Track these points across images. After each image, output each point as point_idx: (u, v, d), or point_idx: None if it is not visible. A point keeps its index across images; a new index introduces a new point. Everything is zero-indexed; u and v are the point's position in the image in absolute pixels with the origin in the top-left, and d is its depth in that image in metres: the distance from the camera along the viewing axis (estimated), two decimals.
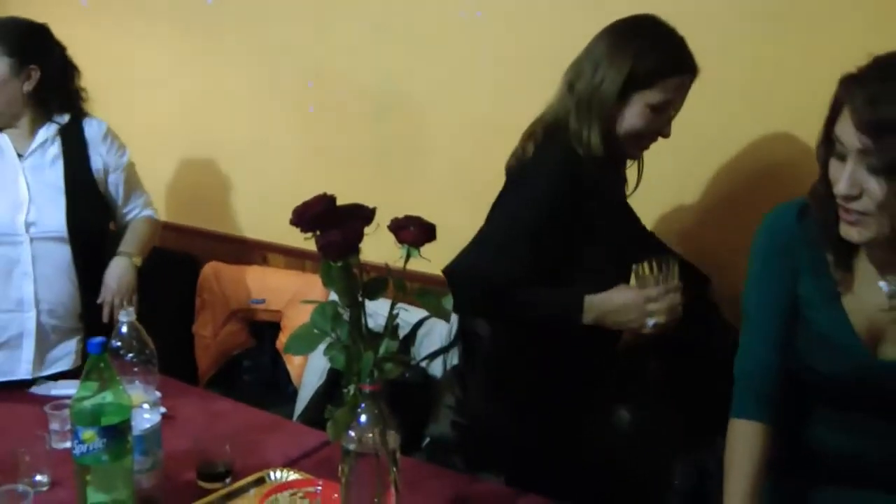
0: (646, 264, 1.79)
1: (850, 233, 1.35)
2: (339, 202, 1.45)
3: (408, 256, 1.46)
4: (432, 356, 2.59)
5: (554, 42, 2.20)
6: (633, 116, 1.85)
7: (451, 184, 2.76)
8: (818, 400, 1.53)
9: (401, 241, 1.45)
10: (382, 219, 1.46)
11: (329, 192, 1.44)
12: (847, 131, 1.30)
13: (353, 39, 2.92)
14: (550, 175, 1.84)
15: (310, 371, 2.86)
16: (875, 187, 1.29)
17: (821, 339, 1.47)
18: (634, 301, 1.78)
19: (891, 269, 1.43)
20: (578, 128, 1.85)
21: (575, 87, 1.87)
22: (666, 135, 1.90)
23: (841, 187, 1.31)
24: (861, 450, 1.51)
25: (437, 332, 2.62)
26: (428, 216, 1.46)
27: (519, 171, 1.92)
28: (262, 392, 3.03)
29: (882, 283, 1.44)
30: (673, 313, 1.78)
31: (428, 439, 2.43)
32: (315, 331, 1.50)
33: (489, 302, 1.84)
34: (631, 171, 2.07)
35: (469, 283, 1.79)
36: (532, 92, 1.98)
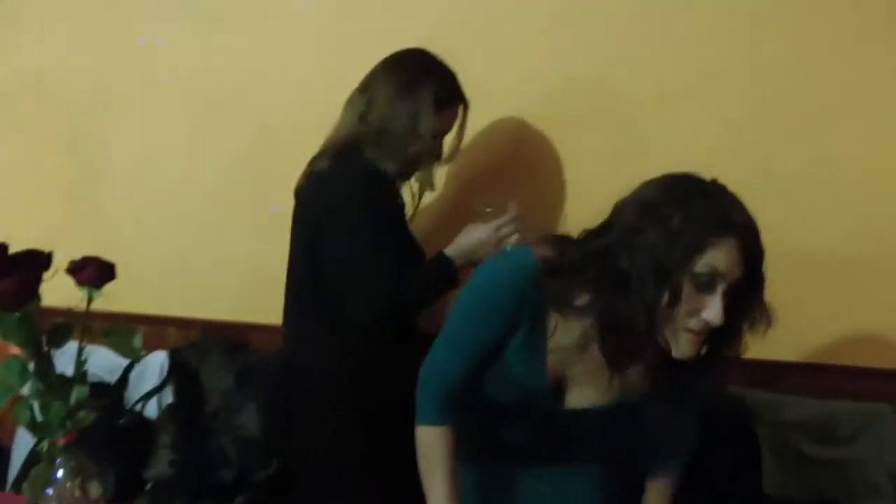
0: (481, 202, 2.06)
1: (690, 353, 1.42)
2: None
3: (90, 299, 1.41)
4: (146, 397, 2.50)
5: None
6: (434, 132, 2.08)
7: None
8: (508, 415, 1.64)
9: (80, 283, 1.40)
10: None
11: None
12: (727, 263, 1.37)
13: None
14: (369, 201, 2.01)
15: (23, 431, 2.64)
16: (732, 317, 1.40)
17: (515, 383, 1.57)
18: (487, 234, 2.01)
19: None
20: (375, 155, 2.03)
21: (368, 118, 2.04)
22: (440, 157, 2.15)
23: (717, 318, 1.37)
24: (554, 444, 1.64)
25: (150, 373, 2.53)
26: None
27: (327, 199, 2.03)
28: None
29: None
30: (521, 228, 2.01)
31: (149, 483, 2.35)
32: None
33: (400, 315, 2.05)
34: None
35: (384, 318, 2.00)
36: None
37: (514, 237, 2.03)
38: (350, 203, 2.01)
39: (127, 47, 2.80)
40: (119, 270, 1.41)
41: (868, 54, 2.23)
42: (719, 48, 2.32)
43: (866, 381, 2.29)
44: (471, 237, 2.04)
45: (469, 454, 1.63)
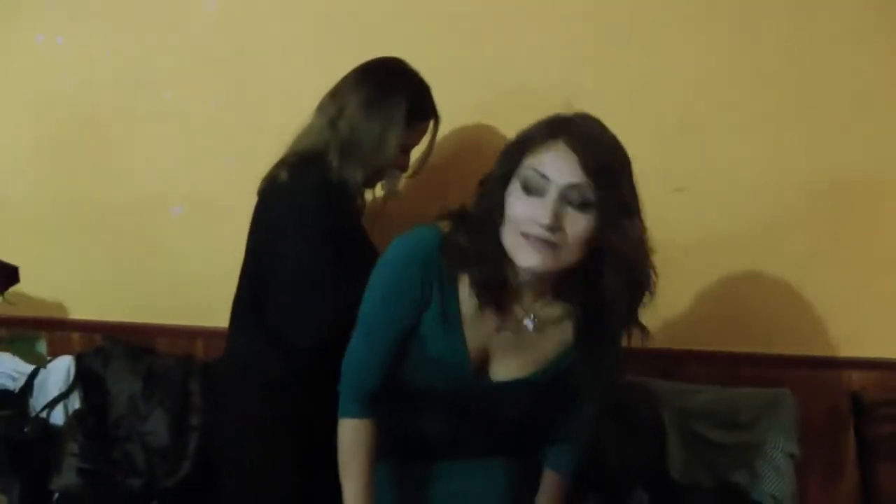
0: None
1: (532, 260, 1.41)
2: None
3: None
4: (51, 405, 2.43)
5: None
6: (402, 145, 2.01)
7: None
8: (428, 403, 1.63)
9: None
10: None
11: None
12: (556, 167, 1.39)
13: None
14: (322, 215, 1.92)
15: None
16: (580, 221, 1.39)
17: (435, 362, 1.57)
18: None
19: (536, 302, 1.55)
20: (341, 163, 1.95)
21: (337, 125, 1.96)
22: (405, 169, 2.10)
23: (545, 219, 1.38)
24: (467, 434, 1.66)
25: (54, 380, 2.45)
26: None
27: (280, 209, 1.96)
28: None
29: (528, 321, 1.55)
30: None
31: (57, 494, 2.28)
32: None
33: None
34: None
35: (326, 337, 1.85)
36: None
37: None
38: (303, 216, 1.93)
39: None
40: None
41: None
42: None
43: (766, 367, 2.38)
44: None
45: (387, 449, 1.64)
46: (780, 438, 2.29)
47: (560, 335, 1.57)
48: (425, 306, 1.53)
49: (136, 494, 2.29)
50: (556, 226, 1.38)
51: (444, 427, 1.64)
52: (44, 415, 2.43)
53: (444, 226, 1.54)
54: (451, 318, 1.54)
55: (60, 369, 2.42)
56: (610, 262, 1.43)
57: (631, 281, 1.45)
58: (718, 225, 2.36)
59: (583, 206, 1.39)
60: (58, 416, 2.42)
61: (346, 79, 2.04)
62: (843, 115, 2.30)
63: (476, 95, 2.37)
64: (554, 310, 1.55)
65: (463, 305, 1.54)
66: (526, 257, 1.41)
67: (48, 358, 2.24)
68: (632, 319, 1.50)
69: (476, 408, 1.60)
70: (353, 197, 2.01)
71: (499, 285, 1.50)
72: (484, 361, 1.58)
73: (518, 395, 1.59)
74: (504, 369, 1.58)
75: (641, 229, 1.45)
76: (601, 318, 1.49)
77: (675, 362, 2.39)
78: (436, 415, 1.63)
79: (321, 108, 2.03)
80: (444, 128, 2.16)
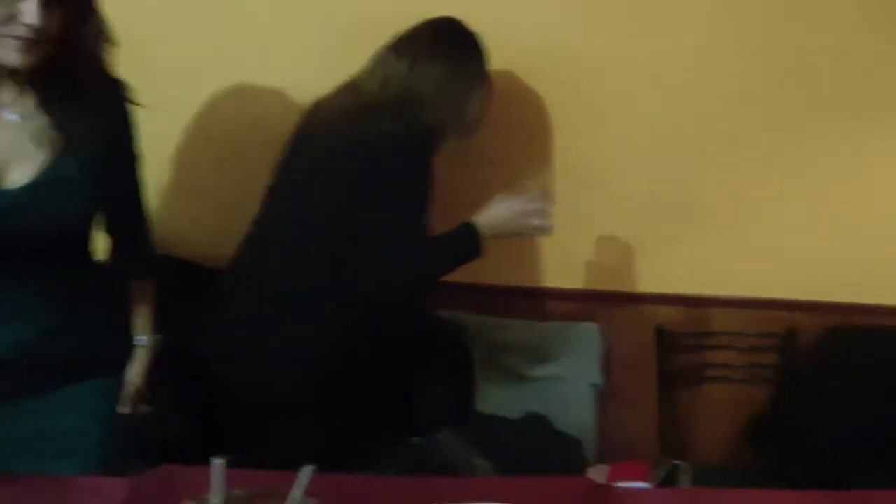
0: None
1: (16, 59, 1.38)
2: None
3: None
4: None
5: None
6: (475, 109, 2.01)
7: None
8: None
9: None
10: None
11: None
12: None
13: None
14: (427, 165, 1.89)
15: None
16: (55, 18, 1.37)
17: None
18: (521, 205, 1.92)
19: (21, 100, 1.47)
20: (433, 113, 1.91)
21: (409, 84, 1.91)
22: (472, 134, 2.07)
23: (31, 17, 1.34)
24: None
25: None
26: None
27: (384, 154, 1.87)
28: None
29: (12, 116, 1.47)
30: (549, 211, 1.94)
31: None
32: None
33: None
34: None
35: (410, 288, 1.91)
36: None
37: (541, 221, 1.94)
38: (411, 162, 1.89)
39: None
40: None
41: None
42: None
43: (574, 302, 2.41)
44: (502, 207, 1.93)
45: None
46: (586, 371, 2.36)
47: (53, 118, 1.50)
48: None
49: None
50: (40, 26, 1.37)
51: None
52: None
53: None
54: None
55: None
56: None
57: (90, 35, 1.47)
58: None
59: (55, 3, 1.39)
60: None
61: (413, 35, 1.99)
62: None
63: None
64: (35, 96, 1.50)
65: None
66: (9, 56, 1.39)
67: None
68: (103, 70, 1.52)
69: (13, 227, 1.47)
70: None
71: None
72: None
73: (52, 195, 1.48)
74: (20, 173, 1.47)
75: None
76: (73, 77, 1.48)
77: (486, 297, 2.38)
78: None
79: (384, 62, 1.96)
80: None
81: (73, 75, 1.48)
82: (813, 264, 2.41)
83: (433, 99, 1.92)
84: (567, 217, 2.28)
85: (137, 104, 1.56)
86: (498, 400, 2.28)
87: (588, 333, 2.38)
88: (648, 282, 2.44)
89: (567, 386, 2.35)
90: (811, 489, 1.57)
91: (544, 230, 1.96)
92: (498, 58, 2.10)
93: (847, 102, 2.33)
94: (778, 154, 2.36)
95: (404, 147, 1.88)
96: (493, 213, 1.93)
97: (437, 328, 2.14)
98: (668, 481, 2.26)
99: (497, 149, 2.30)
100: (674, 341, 2.44)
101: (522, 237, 2.02)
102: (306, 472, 1.05)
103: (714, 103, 2.33)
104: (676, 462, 2.33)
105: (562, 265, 2.42)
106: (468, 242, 1.91)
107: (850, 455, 2.10)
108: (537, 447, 2.20)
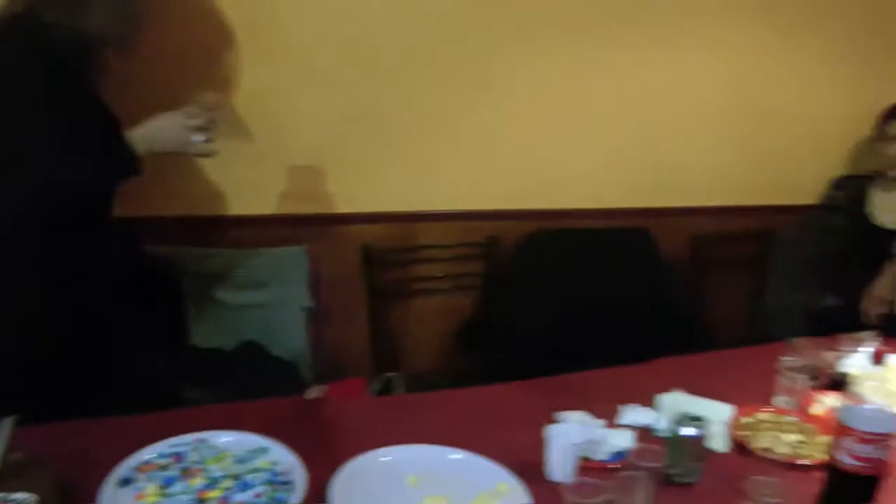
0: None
1: None
2: None
3: None
4: None
5: None
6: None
7: None
8: None
9: None
10: None
11: None
12: None
13: None
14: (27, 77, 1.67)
15: None
16: None
17: None
18: (176, 120, 1.77)
19: None
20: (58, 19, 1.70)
21: None
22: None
23: None
24: None
25: None
26: None
27: None
28: None
29: None
30: (214, 129, 1.78)
31: None
32: None
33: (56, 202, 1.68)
34: None
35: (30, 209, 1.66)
36: None
37: (203, 136, 1.79)
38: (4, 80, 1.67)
39: None
40: None
41: None
42: None
43: (280, 227, 2.41)
44: (158, 121, 1.77)
45: None
46: (296, 294, 2.38)
47: None
48: None
49: None
50: None
51: None
52: None
53: None
54: None
55: None
56: None
57: None
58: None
59: None
60: None
61: None
62: None
63: None
64: None
65: None
66: None
67: None
68: None
69: None
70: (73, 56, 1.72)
71: None
72: None
73: None
74: None
75: None
76: None
77: (193, 228, 2.33)
78: None
79: None
80: None
81: None
82: (510, 178, 2.58)
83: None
84: (263, 146, 2.27)
85: None
86: (211, 331, 2.24)
87: (295, 257, 2.38)
88: (354, 203, 2.47)
89: (279, 311, 2.35)
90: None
91: (206, 151, 1.81)
92: None
93: (542, 19, 2.46)
94: (474, 71, 2.45)
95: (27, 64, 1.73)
96: (149, 126, 1.79)
97: (143, 264, 2.04)
98: (384, 393, 2.35)
99: (170, 73, 2.18)
100: (381, 258, 2.51)
101: (189, 156, 1.90)
102: (6, 425, 0.98)
103: (402, 26, 2.38)
104: (390, 374, 2.43)
105: (264, 192, 2.39)
106: (119, 156, 1.77)
107: (553, 344, 2.29)
108: (255, 374, 2.20)
